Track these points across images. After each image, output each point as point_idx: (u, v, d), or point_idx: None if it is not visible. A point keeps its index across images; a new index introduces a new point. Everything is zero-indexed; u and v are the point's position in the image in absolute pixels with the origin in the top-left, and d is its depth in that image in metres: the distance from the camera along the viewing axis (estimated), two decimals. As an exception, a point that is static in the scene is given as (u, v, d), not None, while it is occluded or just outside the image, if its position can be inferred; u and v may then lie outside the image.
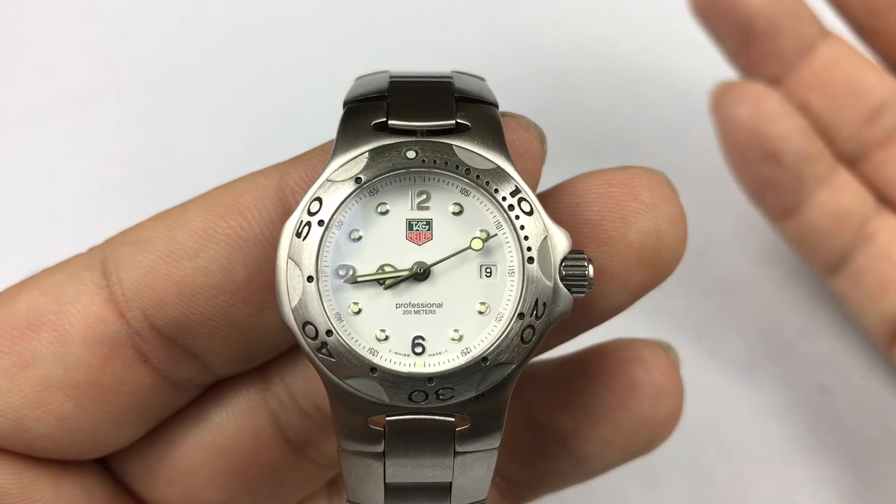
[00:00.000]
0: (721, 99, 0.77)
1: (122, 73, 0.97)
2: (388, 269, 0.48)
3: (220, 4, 1.02)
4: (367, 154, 0.48)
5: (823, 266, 0.79)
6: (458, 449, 0.48)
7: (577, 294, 0.48)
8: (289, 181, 0.50)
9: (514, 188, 0.48)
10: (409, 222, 0.49)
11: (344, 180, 0.48)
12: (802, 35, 0.76)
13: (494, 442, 0.49)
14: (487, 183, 0.48)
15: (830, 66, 0.76)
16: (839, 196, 0.76)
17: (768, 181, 0.77)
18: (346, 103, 0.50)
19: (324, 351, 0.47)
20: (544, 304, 0.48)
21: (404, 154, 0.48)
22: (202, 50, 0.98)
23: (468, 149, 0.48)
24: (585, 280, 0.48)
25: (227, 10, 1.01)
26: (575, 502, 0.74)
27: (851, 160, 0.78)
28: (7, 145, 0.92)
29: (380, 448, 0.48)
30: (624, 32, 0.99)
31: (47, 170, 0.91)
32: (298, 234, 0.47)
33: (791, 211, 0.78)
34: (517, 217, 0.48)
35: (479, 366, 0.47)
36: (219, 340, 0.52)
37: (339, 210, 0.48)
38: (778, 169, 0.75)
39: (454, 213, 0.49)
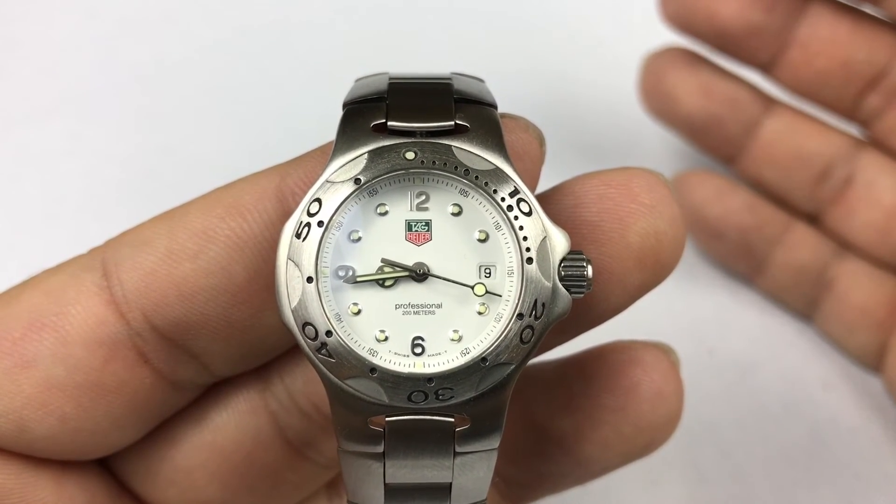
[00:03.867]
0: (677, 188, 0.85)
1: (122, 73, 0.97)
2: (387, 269, 0.48)
3: (220, 5, 1.02)
4: (366, 155, 0.48)
5: (798, 314, 0.86)
6: (458, 449, 0.48)
7: (575, 294, 0.48)
8: (289, 182, 0.50)
9: (512, 189, 0.48)
10: (409, 223, 0.49)
11: (343, 181, 0.48)
12: (744, 118, 0.82)
13: (494, 442, 0.49)
14: (486, 184, 0.48)
15: (775, 141, 0.82)
16: (794, 253, 0.83)
17: (725, 253, 0.87)
18: (345, 105, 0.50)
19: (323, 351, 0.47)
20: (543, 305, 0.48)
21: (403, 155, 0.48)
22: (202, 50, 0.98)
23: (467, 150, 0.48)
24: (584, 280, 0.48)
25: (228, 10, 1.01)
26: (574, 502, 0.74)
27: (812, 217, 0.85)
28: (7, 145, 0.93)
29: (379, 448, 0.48)
30: (623, 33, 0.99)
31: (47, 170, 0.91)
32: (298, 235, 0.47)
33: (756, 273, 0.85)
34: (516, 218, 0.48)
35: (479, 366, 0.47)
36: (219, 341, 0.52)
37: (338, 211, 0.48)
38: (726, 244, 0.85)
39: (453, 214, 0.49)
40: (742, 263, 0.86)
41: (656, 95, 0.85)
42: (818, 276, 0.83)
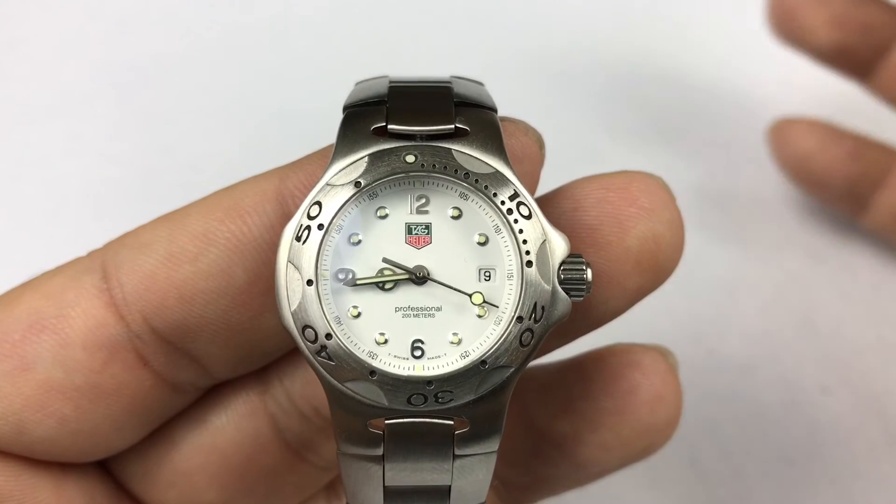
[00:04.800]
0: (772, 137, 0.87)
1: (122, 73, 0.97)
2: (387, 272, 0.49)
3: (221, 5, 1.02)
4: (366, 158, 0.48)
5: None
6: (458, 452, 0.48)
7: (575, 298, 0.48)
8: (289, 185, 0.50)
9: (512, 192, 0.48)
10: (409, 226, 0.49)
11: (343, 184, 0.48)
12: (876, 42, 0.82)
13: (493, 445, 0.49)
14: (486, 187, 0.48)
15: None
16: None
17: (828, 198, 0.89)
18: (345, 108, 0.50)
19: (323, 354, 0.47)
20: (543, 308, 0.48)
21: (403, 158, 0.48)
22: (202, 50, 0.98)
23: (467, 153, 0.48)
24: (584, 284, 0.48)
25: (228, 10, 1.01)
26: (574, 502, 0.74)
27: None
28: (7, 145, 0.93)
29: (379, 451, 0.48)
30: (623, 34, 0.99)
31: (47, 170, 0.91)
32: (298, 238, 0.47)
33: (859, 213, 0.88)
34: (516, 221, 0.48)
35: (478, 369, 0.47)
36: (218, 344, 0.52)
37: (338, 214, 0.48)
38: (830, 190, 0.87)
39: (453, 217, 0.49)
40: (845, 207, 0.88)
41: (785, 27, 0.84)
42: None
